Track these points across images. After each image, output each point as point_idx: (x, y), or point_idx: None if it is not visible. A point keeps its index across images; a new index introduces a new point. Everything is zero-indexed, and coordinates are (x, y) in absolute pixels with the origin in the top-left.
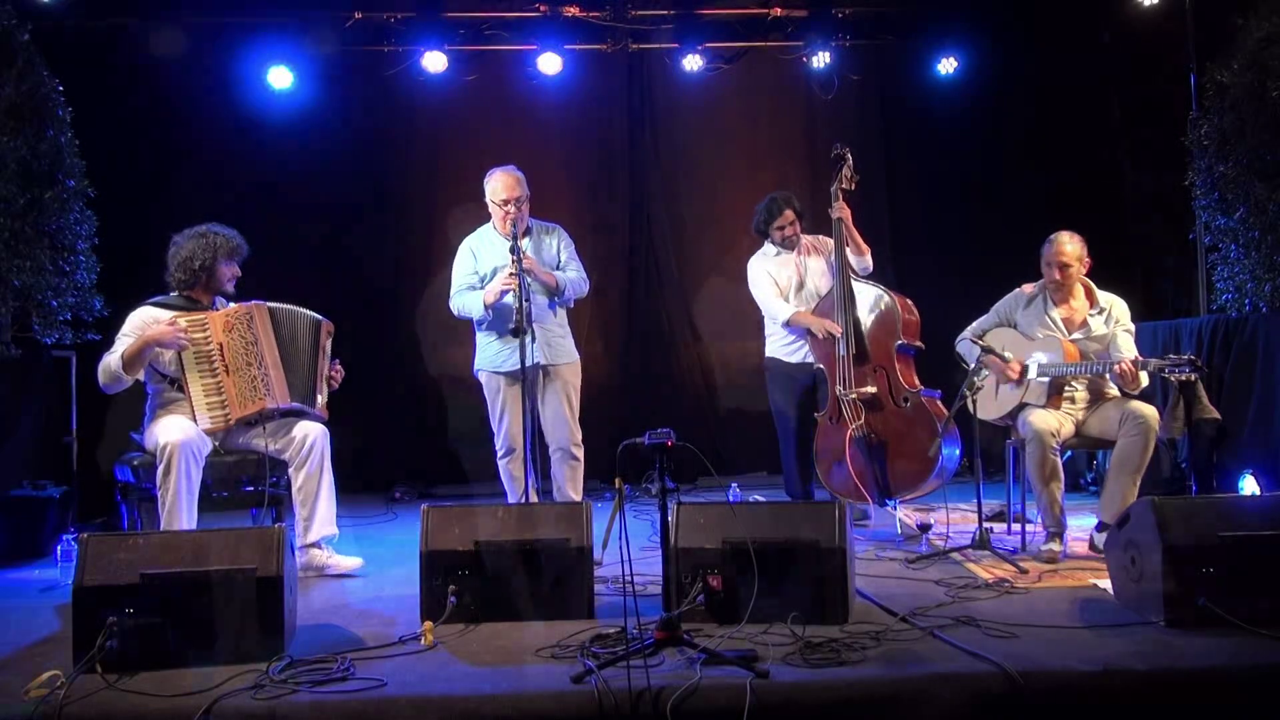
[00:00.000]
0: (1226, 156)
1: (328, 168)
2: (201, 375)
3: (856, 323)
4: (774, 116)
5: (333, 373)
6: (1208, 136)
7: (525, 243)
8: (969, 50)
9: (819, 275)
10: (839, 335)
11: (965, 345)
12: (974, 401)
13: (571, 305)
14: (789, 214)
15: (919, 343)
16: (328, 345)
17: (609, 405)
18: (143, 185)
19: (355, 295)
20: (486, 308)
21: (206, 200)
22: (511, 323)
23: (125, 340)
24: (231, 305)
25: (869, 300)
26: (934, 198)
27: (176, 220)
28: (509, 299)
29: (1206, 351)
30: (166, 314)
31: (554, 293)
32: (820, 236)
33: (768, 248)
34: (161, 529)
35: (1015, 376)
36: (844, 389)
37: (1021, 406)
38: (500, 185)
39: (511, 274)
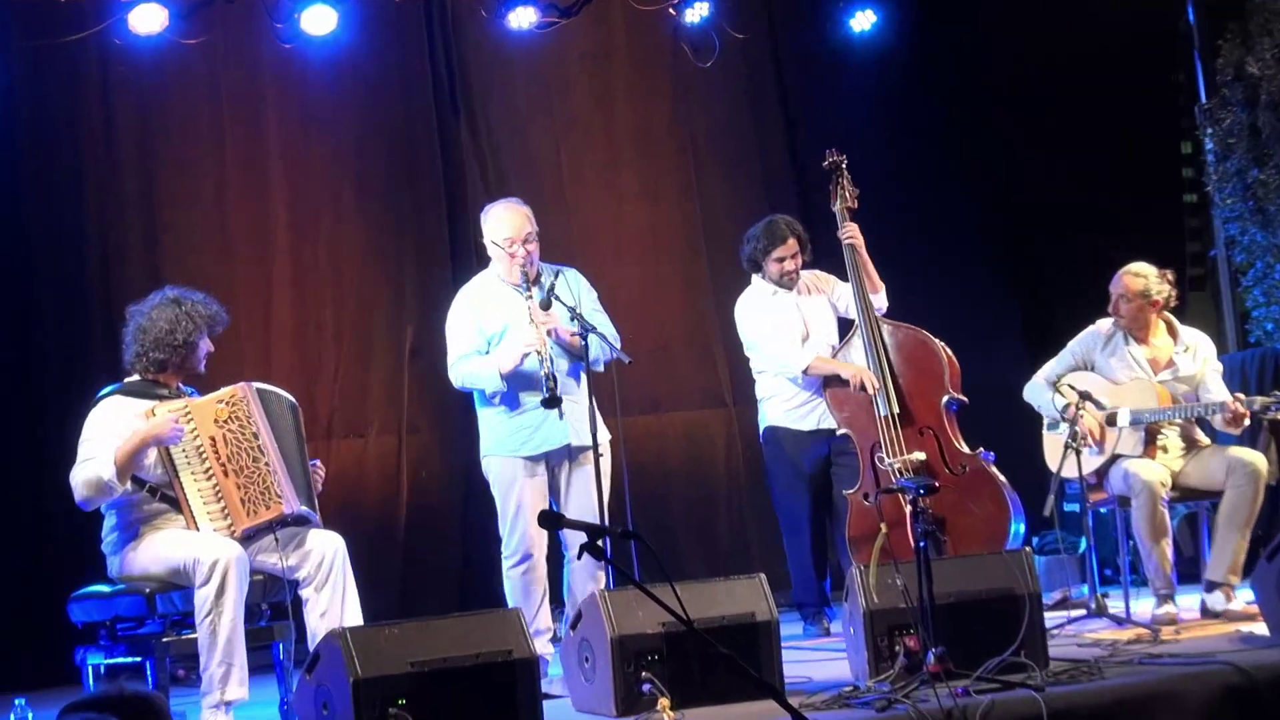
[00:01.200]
0: (1263, 161)
1: None
2: (195, 478)
3: (892, 373)
4: (634, 91)
5: (316, 471)
6: (1232, 133)
7: (534, 291)
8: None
9: (825, 320)
10: (876, 389)
11: (1038, 391)
12: (1078, 453)
13: (602, 368)
14: (792, 243)
15: (962, 396)
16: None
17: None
18: None
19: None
20: (503, 376)
21: None
22: (543, 391)
23: (100, 444)
24: (223, 389)
25: (904, 344)
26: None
27: None
28: (530, 362)
29: (1255, 389)
30: (142, 404)
31: (578, 354)
32: (817, 272)
33: (760, 285)
34: (209, 669)
35: (1096, 438)
36: (888, 456)
37: (1113, 459)
38: (504, 223)
39: (537, 334)
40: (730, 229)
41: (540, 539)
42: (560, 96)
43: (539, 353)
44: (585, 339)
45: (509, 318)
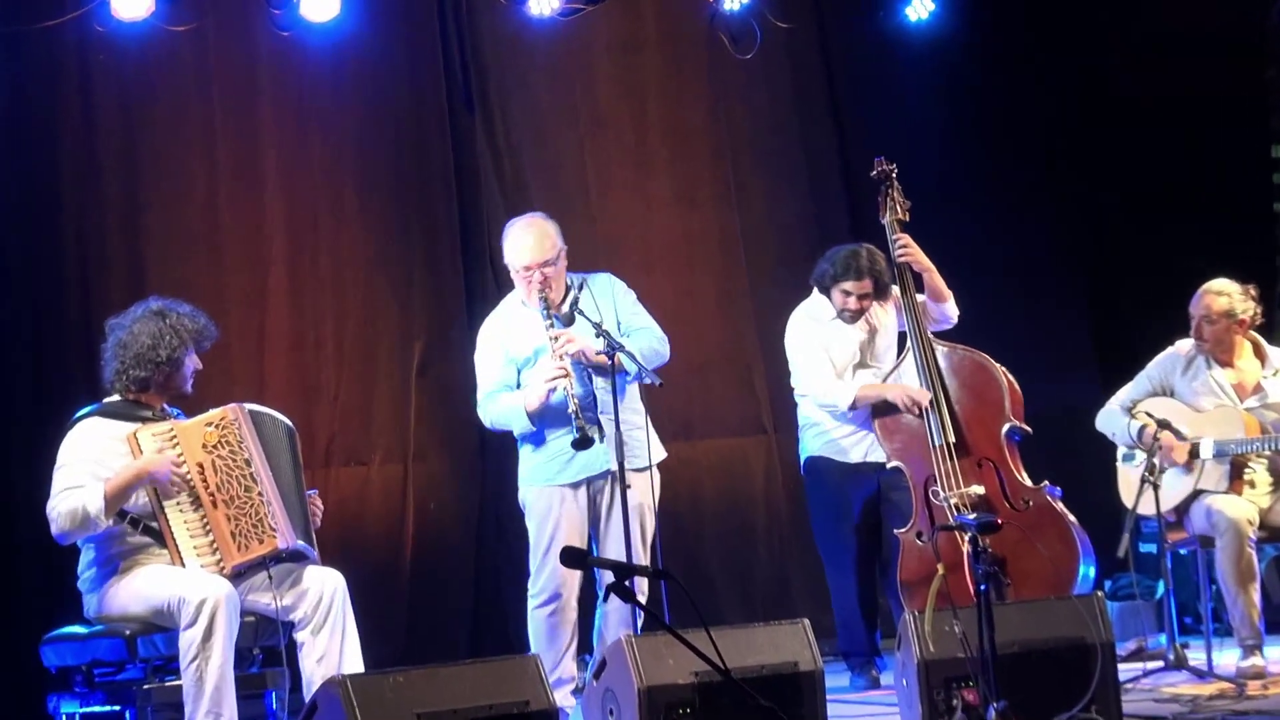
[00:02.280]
0: None
1: None
2: (181, 509)
3: (947, 400)
4: (667, 87)
5: (313, 503)
6: None
7: (563, 311)
8: None
9: (886, 347)
10: (926, 403)
11: (1112, 419)
12: (1156, 488)
13: (652, 380)
14: (866, 284)
15: (1025, 425)
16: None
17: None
18: None
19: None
20: (531, 416)
21: None
22: (573, 430)
23: (79, 471)
24: (212, 411)
25: (960, 368)
26: (910, 197)
27: None
28: (558, 396)
29: None
30: (123, 427)
31: (615, 371)
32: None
33: (820, 305)
34: None
35: (1182, 459)
36: (943, 490)
37: (1195, 495)
38: (519, 246)
39: (559, 367)
40: (772, 238)
41: (572, 578)
42: (585, 92)
43: (565, 389)
44: (612, 357)
45: (538, 342)
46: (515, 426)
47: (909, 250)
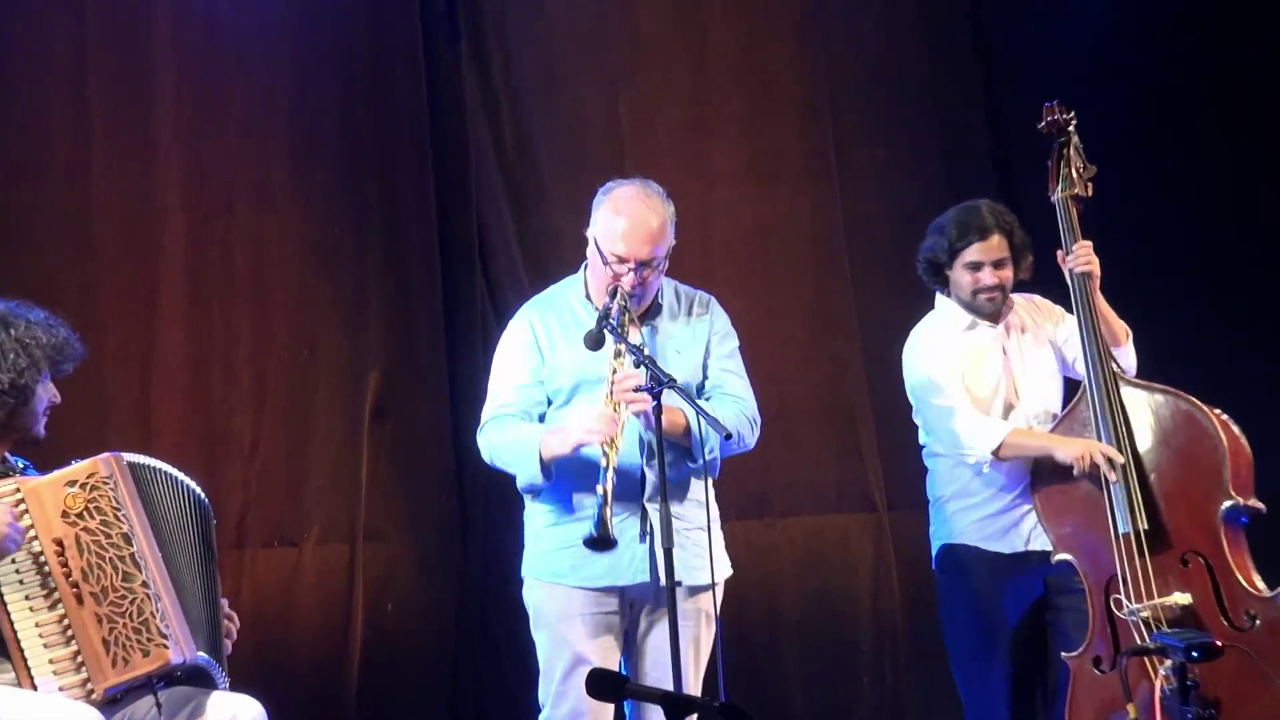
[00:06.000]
0: None
1: None
2: (32, 607)
3: (1139, 466)
4: (739, 9)
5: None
6: None
7: (643, 333)
8: None
9: (1044, 374)
10: (1118, 466)
11: None
12: None
13: (714, 454)
14: (996, 242)
15: (1257, 501)
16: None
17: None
18: None
19: None
20: (547, 468)
21: None
22: (593, 525)
23: None
24: (78, 464)
25: (1158, 418)
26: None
27: None
28: (590, 451)
29: None
30: None
31: (684, 441)
32: (1035, 299)
33: (948, 310)
34: None
35: None
36: (1130, 599)
37: None
38: (620, 225)
39: (612, 418)
40: (888, 229)
41: (602, 712)
42: (621, 19)
43: (605, 454)
44: (658, 398)
45: (585, 369)
46: (520, 473)
47: (1089, 264)
